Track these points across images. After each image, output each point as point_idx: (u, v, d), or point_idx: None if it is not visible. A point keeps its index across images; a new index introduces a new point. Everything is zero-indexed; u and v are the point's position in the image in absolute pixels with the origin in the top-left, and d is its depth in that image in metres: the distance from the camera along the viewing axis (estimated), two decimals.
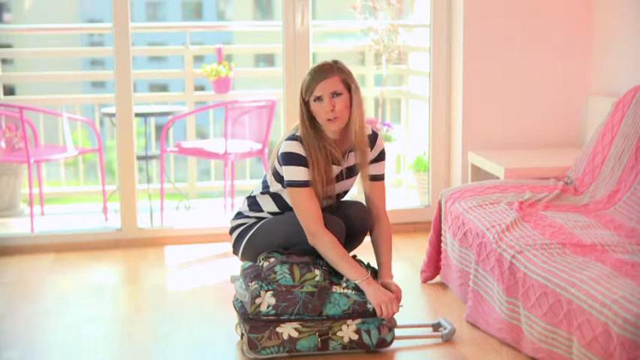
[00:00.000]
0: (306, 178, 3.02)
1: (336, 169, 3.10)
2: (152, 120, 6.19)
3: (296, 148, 3.03)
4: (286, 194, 3.13)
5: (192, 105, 6.23)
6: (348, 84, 3.03)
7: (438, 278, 3.85)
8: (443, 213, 3.77)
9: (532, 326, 2.85)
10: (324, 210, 3.09)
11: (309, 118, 3.04)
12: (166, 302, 3.67)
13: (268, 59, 15.80)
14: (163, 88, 13.94)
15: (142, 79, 10.73)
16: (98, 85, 14.41)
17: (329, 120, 3.00)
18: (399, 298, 3.03)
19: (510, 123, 4.60)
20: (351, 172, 3.18)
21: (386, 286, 3.04)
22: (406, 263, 4.12)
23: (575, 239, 3.04)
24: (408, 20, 6.45)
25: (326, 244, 2.99)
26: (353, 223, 3.16)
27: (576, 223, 3.25)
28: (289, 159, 3.02)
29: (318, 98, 3.00)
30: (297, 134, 3.06)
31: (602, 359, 2.44)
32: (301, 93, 3.04)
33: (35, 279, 4.01)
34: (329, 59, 3.08)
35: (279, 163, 3.07)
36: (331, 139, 3.07)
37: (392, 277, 3.15)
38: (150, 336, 3.27)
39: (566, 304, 2.65)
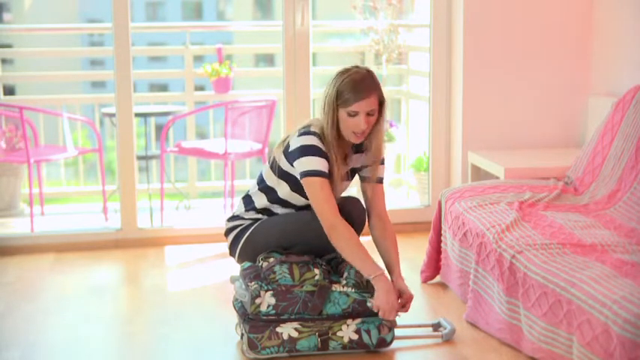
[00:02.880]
0: (325, 169, 3.01)
1: (343, 169, 3.12)
2: (152, 120, 6.19)
3: (316, 141, 3.01)
4: (281, 188, 3.12)
5: (192, 105, 6.23)
6: (382, 103, 3.03)
7: (438, 278, 3.85)
8: (443, 213, 3.77)
9: (532, 326, 2.85)
10: None
11: (337, 122, 3.02)
12: (166, 302, 3.67)
13: (268, 59, 15.80)
14: (163, 88, 13.94)
15: (142, 79, 10.72)
16: (98, 85, 14.41)
17: (355, 133, 3.00)
18: (406, 307, 3.04)
19: (510, 123, 4.60)
20: (352, 173, 3.19)
21: (401, 292, 3.05)
22: (406, 263, 4.12)
23: (575, 239, 3.04)
24: (408, 20, 6.45)
25: (344, 235, 2.96)
26: (354, 219, 3.16)
27: (576, 223, 3.25)
28: (310, 151, 2.99)
29: (353, 113, 2.98)
30: (312, 130, 3.05)
31: (602, 359, 2.44)
32: (335, 97, 2.98)
33: (35, 279, 4.01)
34: (363, 68, 3.02)
35: (294, 157, 3.03)
36: (345, 141, 3.09)
37: (403, 279, 3.15)
38: (150, 336, 3.27)
39: (566, 304, 2.65)
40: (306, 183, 3.00)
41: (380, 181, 3.21)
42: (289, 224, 3.09)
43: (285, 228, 3.09)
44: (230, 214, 3.30)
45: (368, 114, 2.98)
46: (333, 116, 3.00)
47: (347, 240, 2.95)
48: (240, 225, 3.22)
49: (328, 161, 3.01)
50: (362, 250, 2.96)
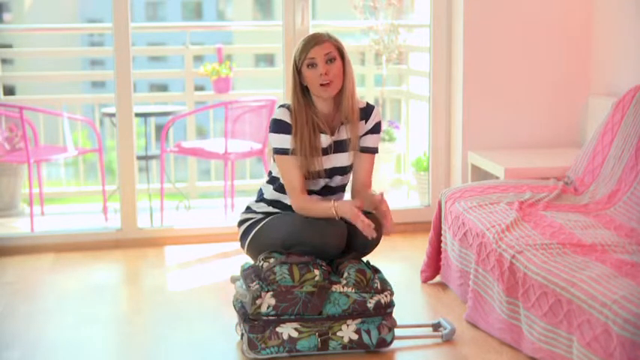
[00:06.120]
0: (288, 146, 3.06)
1: (324, 139, 3.10)
2: (152, 120, 6.19)
3: (282, 115, 3.08)
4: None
5: (192, 105, 6.23)
6: (342, 52, 3.08)
7: (438, 278, 3.85)
8: (443, 213, 3.77)
9: (532, 326, 2.85)
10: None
11: (301, 88, 3.08)
12: (166, 302, 3.66)
13: (268, 59, 15.82)
14: (163, 88, 13.95)
15: (142, 79, 10.74)
16: (98, 85, 14.42)
17: (322, 85, 3.03)
18: (385, 215, 3.06)
19: (510, 123, 4.60)
20: (341, 146, 3.15)
21: (371, 202, 3.10)
22: (406, 263, 4.12)
23: (575, 239, 3.04)
24: (408, 20, 6.45)
25: (305, 206, 3.05)
26: (359, 241, 3.13)
27: (576, 223, 3.25)
28: (274, 126, 3.09)
29: (312, 64, 3.03)
30: (286, 103, 3.13)
31: (602, 359, 2.44)
32: (294, 61, 3.08)
33: (35, 279, 4.01)
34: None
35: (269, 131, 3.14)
36: (321, 111, 3.10)
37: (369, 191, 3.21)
38: (150, 336, 3.27)
39: (566, 304, 2.65)
40: (275, 161, 3.12)
41: (366, 150, 3.18)
42: (294, 224, 3.08)
43: (291, 229, 3.08)
44: (246, 206, 3.32)
45: (327, 61, 3.02)
46: (295, 81, 3.07)
47: (308, 208, 3.05)
48: (252, 219, 3.23)
49: (293, 134, 3.07)
50: (319, 203, 3.05)
